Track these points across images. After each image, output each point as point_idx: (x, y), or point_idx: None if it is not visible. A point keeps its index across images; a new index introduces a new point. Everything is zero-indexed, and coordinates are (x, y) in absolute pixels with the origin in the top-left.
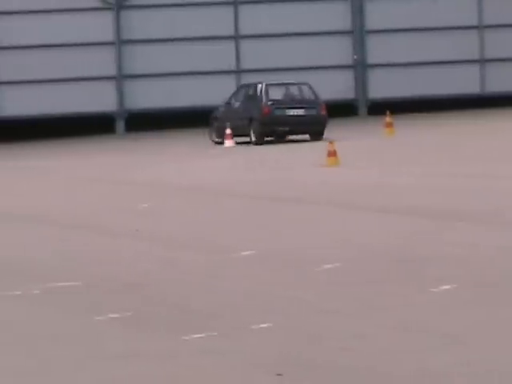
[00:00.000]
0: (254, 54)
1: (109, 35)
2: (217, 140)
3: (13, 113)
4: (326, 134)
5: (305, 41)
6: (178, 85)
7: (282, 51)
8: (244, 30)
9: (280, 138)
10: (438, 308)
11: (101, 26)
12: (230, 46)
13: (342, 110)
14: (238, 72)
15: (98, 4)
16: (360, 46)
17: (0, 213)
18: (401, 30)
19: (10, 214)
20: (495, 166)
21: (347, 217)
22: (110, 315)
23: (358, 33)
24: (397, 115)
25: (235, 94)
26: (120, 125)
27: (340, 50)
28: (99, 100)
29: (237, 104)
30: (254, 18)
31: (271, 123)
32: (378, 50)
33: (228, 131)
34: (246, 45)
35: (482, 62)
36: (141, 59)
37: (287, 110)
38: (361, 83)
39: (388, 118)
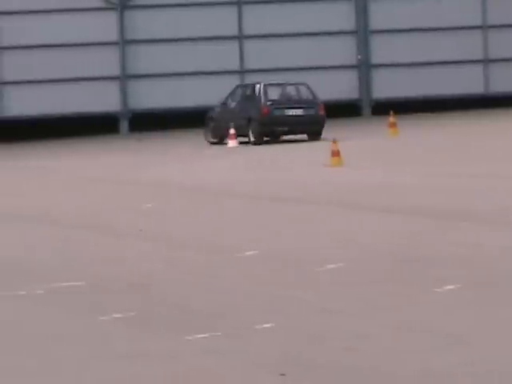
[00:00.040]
0: (258, 54)
1: (112, 35)
2: (212, 140)
3: (16, 113)
4: (328, 134)
5: (309, 41)
6: (182, 85)
7: (285, 51)
8: (248, 30)
9: (275, 138)
10: (441, 308)
11: (104, 26)
12: (234, 46)
13: (346, 110)
14: (242, 72)
15: (102, 4)
16: (364, 46)
17: (5, 213)
18: (405, 30)
19: (13, 214)
20: (499, 166)
21: (351, 217)
22: (114, 315)
23: (362, 33)
24: (401, 115)
25: (231, 94)
26: (124, 125)
27: (344, 50)
28: (103, 100)
29: (233, 104)
30: (257, 18)
31: (270, 123)
32: (381, 50)
33: (232, 131)
34: (249, 45)
35: (486, 61)
36: (144, 59)
37: (286, 110)
38: (365, 83)
39: (392, 118)
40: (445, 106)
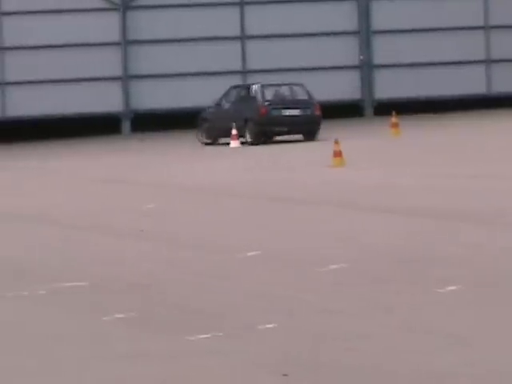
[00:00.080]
0: (260, 55)
1: (114, 36)
2: (206, 141)
3: (18, 113)
4: (330, 135)
5: (311, 41)
6: (184, 85)
7: (287, 52)
8: (250, 31)
9: (268, 139)
10: (442, 308)
11: (106, 26)
12: (236, 46)
13: (348, 110)
14: (244, 72)
15: (104, 5)
16: (366, 47)
17: (5, 213)
18: (407, 31)
19: (13, 214)
20: (500, 167)
21: (352, 217)
22: (115, 315)
23: (364, 33)
24: (403, 116)
25: (225, 95)
26: (126, 125)
27: (346, 51)
28: (105, 100)
29: (228, 105)
30: (259, 19)
31: (268, 123)
32: (384, 50)
33: (234, 132)
34: (251, 45)
35: (488, 62)
36: (146, 60)
37: (283, 111)
38: (367, 84)
39: (394, 119)
40: (447, 107)
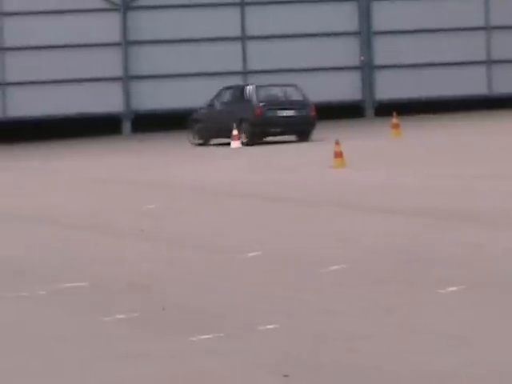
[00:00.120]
0: (261, 56)
1: (115, 36)
2: (197, 142)
3: (19, 114)
4: (331, 135)
5: (312, 42)
6: (185, 86)
7: (288, 52)
8: (250, 32)
9: (259, 140)
10: (444, 309)
11: (107, 27)
12: (237, 47)
13: (349, 111)
14: (245, 73)
15: (105, 5)
16: (367, 47)
17: (5, 213)
18: (408, 32)
19: (13, 214)
20: (502, 167)
21: (353, 217)
22: (116, 316)
23: (365, 34)
24: (404, 116)
25: (218, 95)
26: (126, 126)
27: (347, 51)
28: (105, 101)
29: (221, 106)
30: (260, 20)
31: (263, 124)
32: (384, 51)
33: (234, 132)
34: (252, 46)
35: (489, 63)
36: (147, 60)
37: (278, 111)
38: (368, 84)
39: (395, 120)
40: (448, 107)
